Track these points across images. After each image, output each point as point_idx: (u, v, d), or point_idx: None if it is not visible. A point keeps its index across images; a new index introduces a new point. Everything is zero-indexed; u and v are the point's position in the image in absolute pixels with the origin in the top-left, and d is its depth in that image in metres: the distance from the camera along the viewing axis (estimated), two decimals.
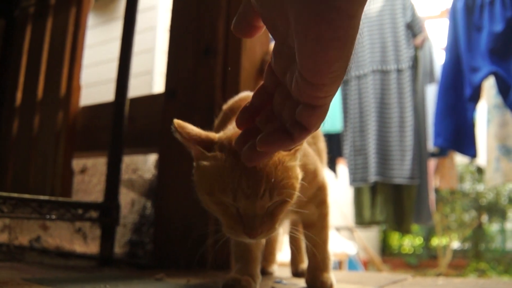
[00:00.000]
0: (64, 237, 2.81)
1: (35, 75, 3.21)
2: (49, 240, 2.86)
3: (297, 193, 1.11)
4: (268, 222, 1.11)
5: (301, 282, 1.72)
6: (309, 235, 1.64)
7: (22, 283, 1.42)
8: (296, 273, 1.92)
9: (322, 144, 1.77)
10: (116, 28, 5.25)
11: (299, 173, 1.15)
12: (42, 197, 1.99)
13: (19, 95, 3.33)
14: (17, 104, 3.34)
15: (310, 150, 1.48)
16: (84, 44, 3.04)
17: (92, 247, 2.67)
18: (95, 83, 4.85)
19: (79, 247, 2.81)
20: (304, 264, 1.89)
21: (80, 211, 2.17)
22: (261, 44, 2.26)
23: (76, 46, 3.01)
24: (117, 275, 1.30)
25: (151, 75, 4.87)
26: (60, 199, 2.08)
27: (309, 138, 1.59)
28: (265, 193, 1.05)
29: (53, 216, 2.05)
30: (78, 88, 2.94)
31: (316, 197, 1.48)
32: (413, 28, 4.16)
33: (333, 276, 1.54)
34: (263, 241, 1.54)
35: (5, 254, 2.37)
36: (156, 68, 4.92)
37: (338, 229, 7.19)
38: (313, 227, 1.54)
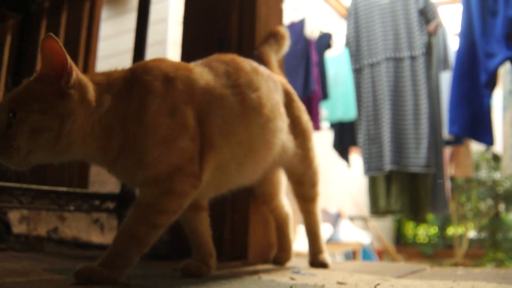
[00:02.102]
0: (81, 228, 2.84)
1: None
2: (67, 231, 2.90)
3: None
4: None
5: (319, 272, 1.73)
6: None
7: (43, 273, 1.44)
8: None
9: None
10: (129, 20, 5.26)
11: None
12: (60, 189, 2.02)
13: None
14: None
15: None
16: (98, 36, 3.06)
17: (109, 238, 2.69)
18: None
19: (96, 237, 2.84)
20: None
21: (97, 202, 2.20)
22: None
23: (91, 38, 3.03)
24: (136, 266, 1.31)
25: None
26: (78, 190, 2.11)
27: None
28: None
29: (71, 207, 2.08)
30: None
31: None
32: (426, 14, 4.11)
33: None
34: (203, 217, 1.67)
35: (24, 244, 2.41)
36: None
37: (352, 218, 7.17)
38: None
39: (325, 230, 4.97)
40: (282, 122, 1.69)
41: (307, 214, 1.94)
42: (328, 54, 5.13)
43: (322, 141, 6.63)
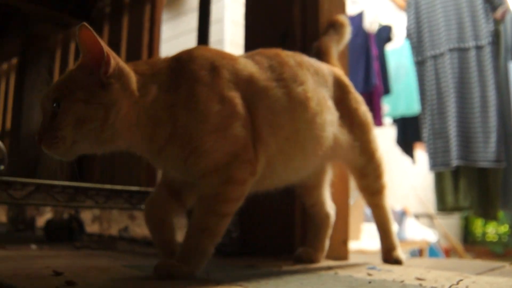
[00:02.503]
0: None
1: None
2: (137, 230, 2.95)
3: None
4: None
5: (395, 268, 1.69)
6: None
7: (123, 269, 1.47)
8: None
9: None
10: (186, 22, 5.34)
11: None
12: (133, 188, 2.05)
13: None
14: None
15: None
16: (160, 39, 3.10)
17: (179, 236, 2.71)
18: None
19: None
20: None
21: None
22: None
23: (153, 41, 3.07)
24: (209, 262, 1.33)
25: None
26: (150, 189, 2.14)
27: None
28: None
29: (143, 206, 2.11)
30: None
31: None
32: (492, 1, 3.95)
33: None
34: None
35: (98, 243, 2.47)
36: None
37: (417, 216, 7.01)
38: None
39: None
40: (331, 115, 1.65)
41: (375, 208, 1.90)
42: (389, 47, 5.04)
43: (384, 137, 6.54)
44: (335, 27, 2.02)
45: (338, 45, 2.03)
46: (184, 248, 1.33)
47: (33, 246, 2.33)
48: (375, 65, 4.61)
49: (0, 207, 4.25)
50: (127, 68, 1.30)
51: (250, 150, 1.37)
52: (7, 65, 4.88)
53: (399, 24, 5.27)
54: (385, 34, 4.90)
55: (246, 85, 1.43)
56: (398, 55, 5.13)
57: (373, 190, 1.86)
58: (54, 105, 1.23)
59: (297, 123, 1.51)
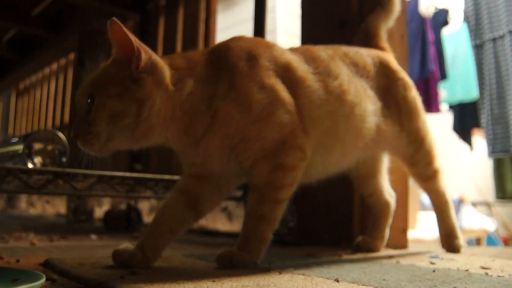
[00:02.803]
0: (208, 216, 2.92)
1: None
2: None
3: None
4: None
5: (457, 257, 1.66)
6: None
7: (184, 259, 1.49)
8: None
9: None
10: (240, 11, 5.35)
11: None
12: None
13: None
14: None
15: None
16: (216, 30, 3.11)
17: (236, 226, 2.75)
18: None
19: (222, 225, 2.91)
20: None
21: None
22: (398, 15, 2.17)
23: (209, 32, 3.09)
24: (268, 252, 1.34)
25: None
26: None
27: None
28: None
29: None
30: None
31: None
32: None
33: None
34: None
35: None
36: None
37: (474, 204, 6.84)
38: None
39: None
40: (372, 105, 1.61)
41: (430, 193, 1.85)
42: (445, 32, 4.89)
43: (441, 124, 6.41)
44: (381, 3, 1.94)
45: (387, 22, 1.92)
46: (243, 236, 1.34)
47: (93, 236, 2.40)
48: (432, 50, 4.49)
49: (59, 198, 4.39)
50: (161, 62, 1.29)
51: (298, 135, 1.36)
52: (65, 60, 5.03)
53: (456, 7, 5.10)
54: (441, 18, 4.76)
55: (284, 72, 1.41)
56: (455, 39, 4.98)
57: (424, 176, 1.81)
58: (89, 101, 1.23)
59: (335, 116, 1.49)
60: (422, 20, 4.55)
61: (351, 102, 1.52)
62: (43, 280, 0.93)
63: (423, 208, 5.08)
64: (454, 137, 5.02)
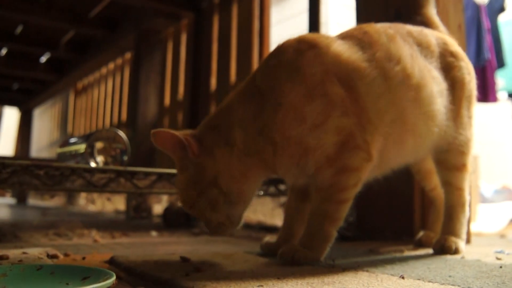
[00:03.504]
0: (266, 212, 2.92)
1: (226, 60, 3.37)
2: (251, 216, 3.00)
3: None
4: None
5: None
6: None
7: (246, 255, 1.49)
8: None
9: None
10: (291, 6, 5.33)
11: None
12: None
13: (213, 81, 3.52)
14: (212, 89, 3.54)
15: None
16: (270, 25, 3.10)
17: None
18: None
19: (279, 221, 2.90)
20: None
21: (282, 186, 2.23)
22: (454, 2, 2.11)
23: (263, 27, 3.08)
24: (330, 248, 1.32)
25: None
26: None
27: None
28: None
29: (260, 192, 2.14)
30: None
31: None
32: None
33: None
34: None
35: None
36: None
37: None
38: None
39: (507, 209, 4.59)
40: (438, 86, 1.53)
41: (447, 186, 1.64)
42: (502, 18, 4.71)
43: (499, 113, 6.20)
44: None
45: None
46: (306, 233, 1.34)
47: (154, 233, 2.43)
48: (488, 38, 4.34)
49: (119, 196, 4.48)
50: (205, 135, 1.37)
51: (358, 135, 1.33)
52: (121, 59, 5.13)
53: None
54: (497, 4, 4.58)
55: (336, 67, 1.35)
56: None
57: (449, 165, 1.64)
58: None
59: (401, 103, 1.42)
60: (477, 7, 4.39)
61: (416, 85, 1.45)
62: (113, 278, 0.93)
63: (483, 200, 4.94)
64: None
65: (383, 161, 1.44)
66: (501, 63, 4.52)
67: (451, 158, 1.63)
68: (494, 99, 4.40)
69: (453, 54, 1.65)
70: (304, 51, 1.37)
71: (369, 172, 1.40)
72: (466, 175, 1.65)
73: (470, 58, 1.72)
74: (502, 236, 2.74)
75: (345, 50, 1.39)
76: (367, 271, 1.20)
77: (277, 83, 1.33)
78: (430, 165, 1.75)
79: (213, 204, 1.33)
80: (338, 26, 4.94)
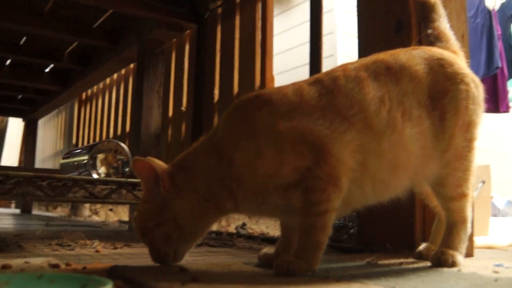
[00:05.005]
0: (268, 223, 2.93)
1: (229, 71, 3.39)
2: (254, 227, 3.00)
3: None
4: None
5: None
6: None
7: (244, 266, 1.51)
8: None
9: None
10: (296, 15, 5.36)
11: None
12: None
13: (216, 92, 3.54)
14: (215, 100, 3.56)
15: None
16: (272, 35, 3.12)
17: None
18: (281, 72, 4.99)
19: None
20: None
21: None
22: (457, 12, 2.11)
23: (266, 38, 3.10)
24: (328, 259, 1.33)
25: (335, 58, 4.88)
26: None
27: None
28: None
29: None
30: (272, 79, 3.04)
31: None
32: None
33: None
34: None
35: (216, 240, 2.53)
36: (339, 51, 4.92)
37: None
38: None
39: None
40: (416, 127, 1.47)
41: (447, 211, 1.63)
42: None
43: (510, 123, 6.16)
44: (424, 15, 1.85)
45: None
46: (299, 245, 1.37)
47: None
48: (499, 46, 4.26)
49: (122, 206, 4.50)
50: (176, 174, 1.49)
51: (319, 169, 1.36)
52: (124, 70, 5.16)
53: None
54: (510, 10, 4.52)
55: (291, 118, 1.40)
56: None
57: (446, 197, 1.61)
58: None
59: (361, 150, 1.41)
60: (488, 14, 4.32)
61: (379, 135, 1.42)
62: (110, 286, 0.96)
63: (495, 212, 4.89)
64: None
65: (347, 200, 1.45)
66: None
67: (446, 191, 1.60)
68: (506, 109, 4.35)
69: (449, 77, 1.56)
70: (259, 108, 1.44)
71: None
72: (466, 201, 1.61)
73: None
74: None
75: (296, 101, 1.44)
76: (360, 282, 1.21)
77: (232, 140, 1.44)
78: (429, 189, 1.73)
79: (167, 237, 1.46)
80: (344, 35, 4.96)
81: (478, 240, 3.76)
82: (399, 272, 1.41)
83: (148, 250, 1.51)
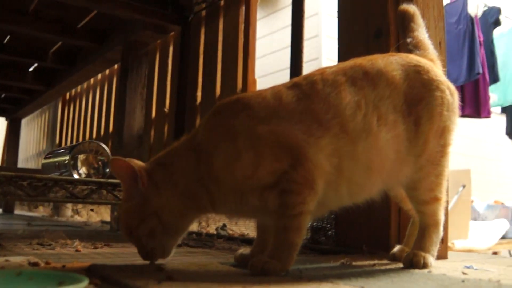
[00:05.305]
0: (248, 225, 2.95)
1: (212, 73, 3.42)
2: (234, 228, 3.03)
3: None
4: None
5: (493, 267, 1.63)
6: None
7: (220, 266, 1.54)
8: None
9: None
10: (280, 18, 5.39)
11: None
12: None
13: (199, 94, 3.56)
14: (198, 101, 3.58)
15: None
16: (255, 39, 3.15)
17: None
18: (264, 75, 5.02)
19: None
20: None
21: None
22: (435, 20, 2.16)
23: (248, 42, 3.13)
24: (304, 260, 1.36)
25: (319, 61, 4.91)
26: None
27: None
28: None
29: None
30: (254, 81, 3.06)
31: None
32: None
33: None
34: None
35: (196, 241, 2.56)
36: (324, 54, 4.95)
37: None
38: None
39: (500, 226, 4.61)
40: (391, 131, 1.50)
41: (420, 214, 1.66)
42: (496, 32, 4.69)
43: (491, 128, 6.23)
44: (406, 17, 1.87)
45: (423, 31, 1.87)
46: (273, 245, 1.40)
47: None
48: (481, 52, 4.30)
49: (104, 207, 4.50)
50: (155, 171, 1.51)
51: (294, 172, 1.39)
52: (109, 71, 5.16)
53: (509, 5, 4.91)
54: (492, 18, 4.54)
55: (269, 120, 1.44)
56: (508, 39, 4.77)
57: (420, 201, 1.65)
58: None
59: (337, 154, 1.44)
60: (470, 20, 4.35)
61: (354, 138, 1.46)
62: (86, 282, 1.00)
63: (475, 216, 4.94)
64: (507, 142, 4.87)
65: (323, 202, 1.48)
66: (495, 78, 4.49)
67: (419, 195, 1.63)
68: (487, 114, 4.41)
69: (425, 84, 1.59)
70: (239, 112, 1.47)
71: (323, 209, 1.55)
72: (439, 205, 1.64)
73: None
74: (494, 253, 2.75)
75: (275, 105, 1.48)
76: (331, 282, 1.24)
77: (212, 142, 1.47)
78: (402, 192, 1.78)
79: (151, 232, 1.47)
80: (329, 39, 4.98)
81: (458, 243, 3.81)
82: (370, 273, 1.45)
83: (137, 249, 1.52)
